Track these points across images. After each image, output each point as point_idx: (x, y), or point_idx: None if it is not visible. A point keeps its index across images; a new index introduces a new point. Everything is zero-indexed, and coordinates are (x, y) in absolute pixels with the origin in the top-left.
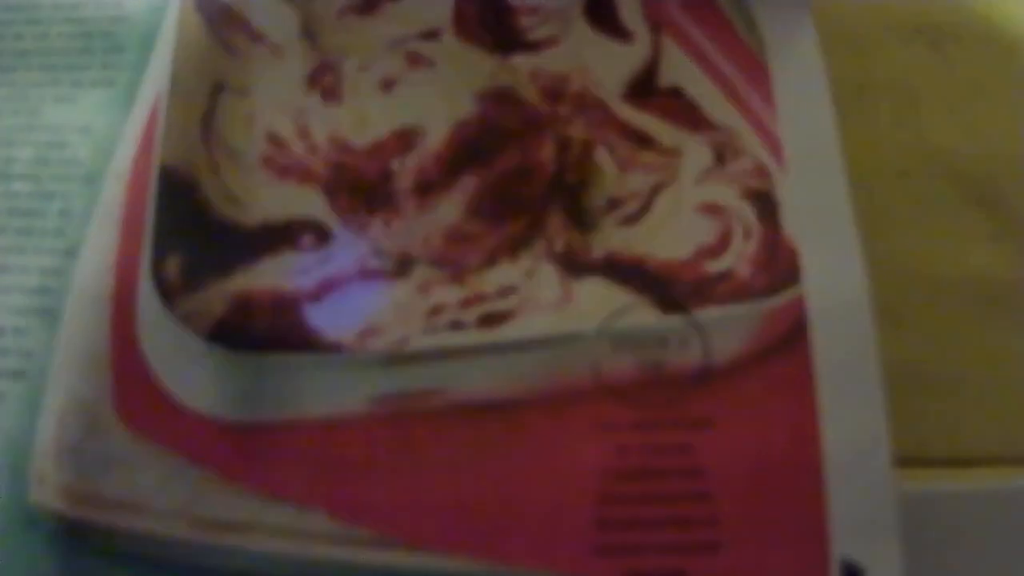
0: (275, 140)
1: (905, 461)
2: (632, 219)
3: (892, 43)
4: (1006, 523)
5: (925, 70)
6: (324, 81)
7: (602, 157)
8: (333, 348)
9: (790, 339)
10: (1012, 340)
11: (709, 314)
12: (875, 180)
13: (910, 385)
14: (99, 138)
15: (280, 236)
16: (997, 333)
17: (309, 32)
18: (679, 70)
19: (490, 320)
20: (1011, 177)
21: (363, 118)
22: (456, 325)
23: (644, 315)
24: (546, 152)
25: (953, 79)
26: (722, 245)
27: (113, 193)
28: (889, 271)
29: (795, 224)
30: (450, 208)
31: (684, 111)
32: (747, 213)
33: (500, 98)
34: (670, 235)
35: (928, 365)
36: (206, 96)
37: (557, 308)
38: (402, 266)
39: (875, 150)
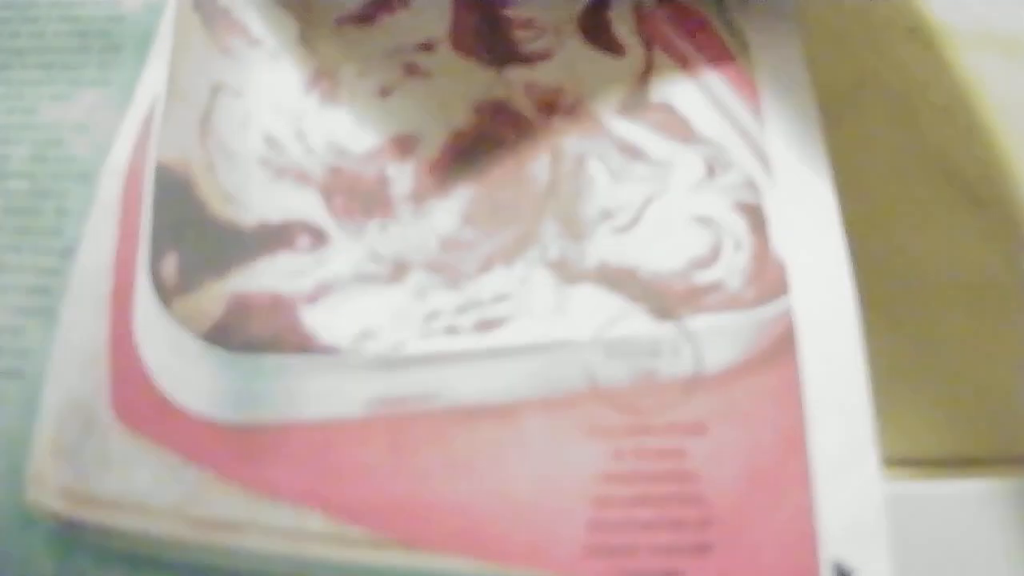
0: (272, 142)
1: (899, 461)
2: (624, 229)
3: (887, 43)
4: (1001, 523)
5: (920, 69)
6: (322, 85)
7: (595, 169)
8: (329, 351)
9: (779, 349)
10: (1008, 340)
11: (700, 323)
12: (870, 180)
13: (905, 385)
14: (96, 136)
15: (277, 237)
16: (993, 333)
17: (307, 39)
18: (671, 85)
19: (485, 326)
20: (1006, 177)
21: (360, 124)
22: (452, 330)
23: (636, 323)
24: (540, 163)
25: (948, 78)
26: (713, 256)
27: (110, 191)
28: (884, 271)
29: (784, 237)
30: (445, 215)
31: (675, 125)
32: (737, 226)
33: (495, 109)
34: (662, 246)
35: (923, 365)
36: (204, 96)
37: (551, 315)
38: (398, 271)
39: (870, 150)
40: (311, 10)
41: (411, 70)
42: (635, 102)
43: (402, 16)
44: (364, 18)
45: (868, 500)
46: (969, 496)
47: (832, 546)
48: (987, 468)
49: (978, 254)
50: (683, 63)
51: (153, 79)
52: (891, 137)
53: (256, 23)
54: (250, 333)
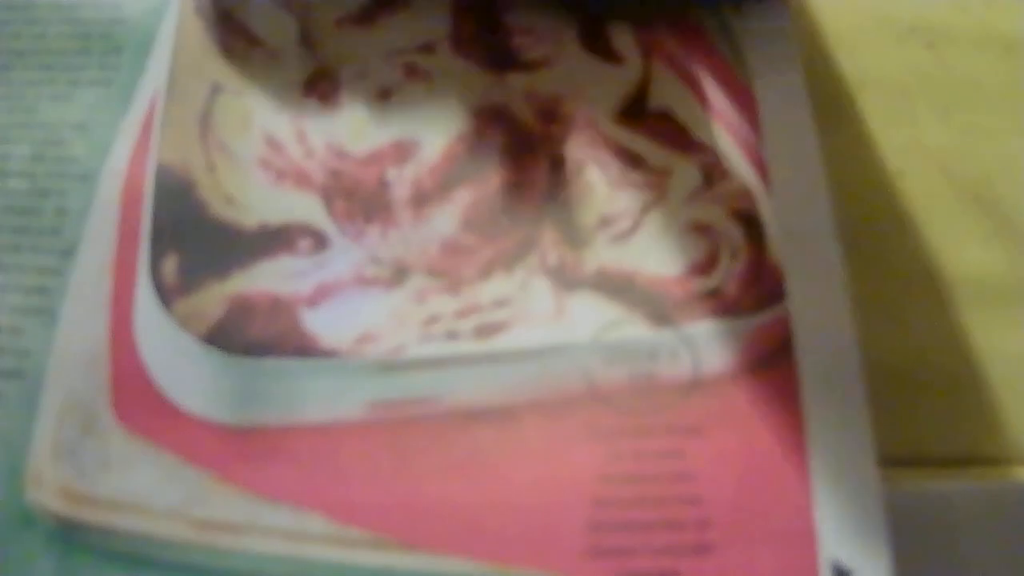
0: (272, 143)
1: (901, 461)
2: (623, 236)
3: (887, 43)
4: (1002, 523)
5: (920, 70)
6: (321, 87)
7: (594, 176)
8: (329, 353)
9: (776, 353)
10: (1007, 339)
11: (698, 329)
12: (871, 180)
13: (906, 385)
14: (95, 135)
15: (277, 239)
16: (993, 332)
17: (307, 40)
18: (669, 94)
19: (485, 331)
20: (1006, 176)
21: (360, 126)
22: (452, 335)
23: (635, 328)
24: (539, 170)
25: (948, 78)
26: (710, 263)
27: (110, 191)
28: (884, 271)
29: (780, 244)
30: (445, 220)
31: (673, 133)
32: (734, 233)
33: (495, 115)
34: (660, 252)
35: (924, 365)
36: (204, 95)
37: (550, 320)
38: (398, 275)
39: (871, 149)
40: (311, 10)
41: (411, 71)
42: (634, 110)
43: (402, 17)
44: (364, 19)
45: (867, 500)
46: (969, 496)
47: (831, 546)
48: (987, 468)
49: (978, 254)
50: (681, 72)
51: (153, 80)
52: (891, 137)
53: (257, 23)
54: (250, 335)
